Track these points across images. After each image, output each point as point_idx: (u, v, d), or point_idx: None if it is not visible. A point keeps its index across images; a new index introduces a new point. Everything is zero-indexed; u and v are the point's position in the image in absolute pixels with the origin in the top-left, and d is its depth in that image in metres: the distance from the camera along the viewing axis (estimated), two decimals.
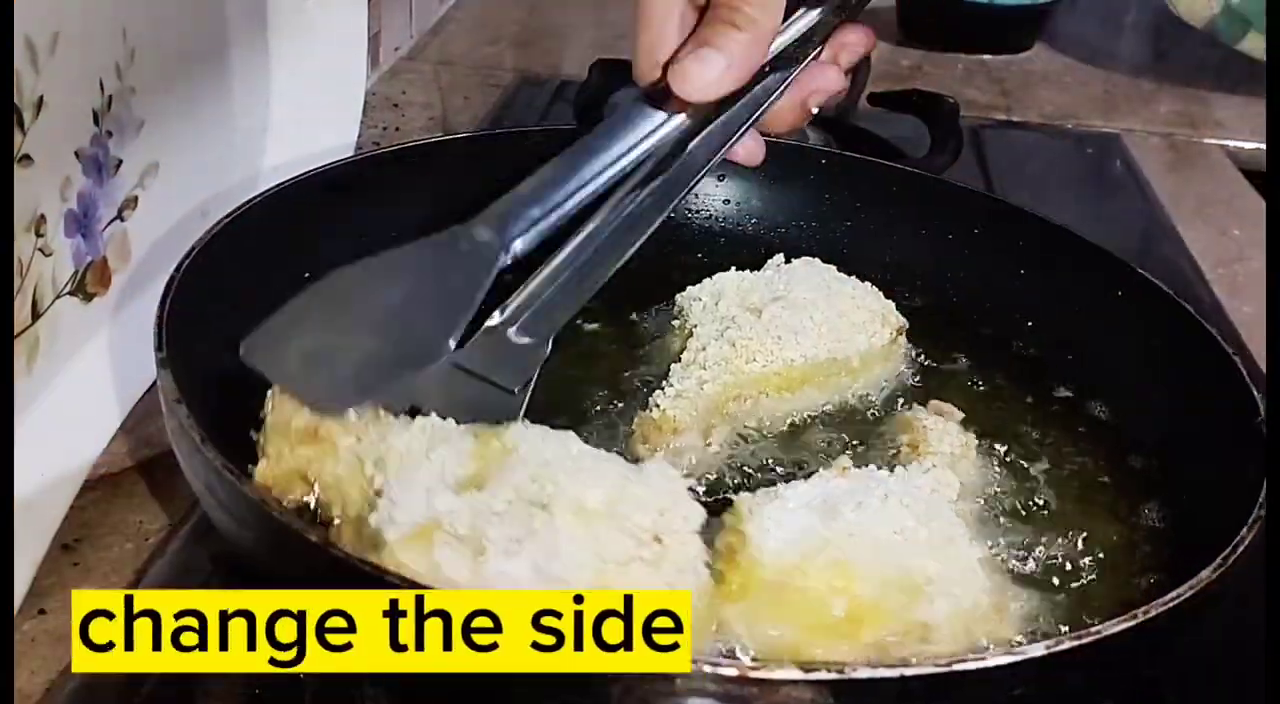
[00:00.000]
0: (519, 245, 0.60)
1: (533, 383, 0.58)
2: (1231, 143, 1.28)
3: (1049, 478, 0.63)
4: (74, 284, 0.63)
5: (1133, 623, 0.43)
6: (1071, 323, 0.72)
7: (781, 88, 0.64)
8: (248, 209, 0.64)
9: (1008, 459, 0.64)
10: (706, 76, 0.59)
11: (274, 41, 0.83)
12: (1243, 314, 0.93)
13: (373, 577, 0.41)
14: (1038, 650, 0.41)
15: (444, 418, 0.52)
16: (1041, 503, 0.61)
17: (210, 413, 0.49)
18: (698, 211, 0.83)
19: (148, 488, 0.64)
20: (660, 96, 0.63)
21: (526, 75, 1.31)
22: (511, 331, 0.59)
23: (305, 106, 0.85)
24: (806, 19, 0.66)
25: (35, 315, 0.60)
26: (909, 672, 0.40)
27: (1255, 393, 0.58)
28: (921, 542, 0.50)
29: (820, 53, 0.66)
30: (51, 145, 0.58)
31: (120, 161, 0.67)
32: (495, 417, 0.54)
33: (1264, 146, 1.26)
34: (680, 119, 0.64)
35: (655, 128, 0.64)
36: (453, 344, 0.57)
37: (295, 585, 0.47)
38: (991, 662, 0.41)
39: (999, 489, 0.62)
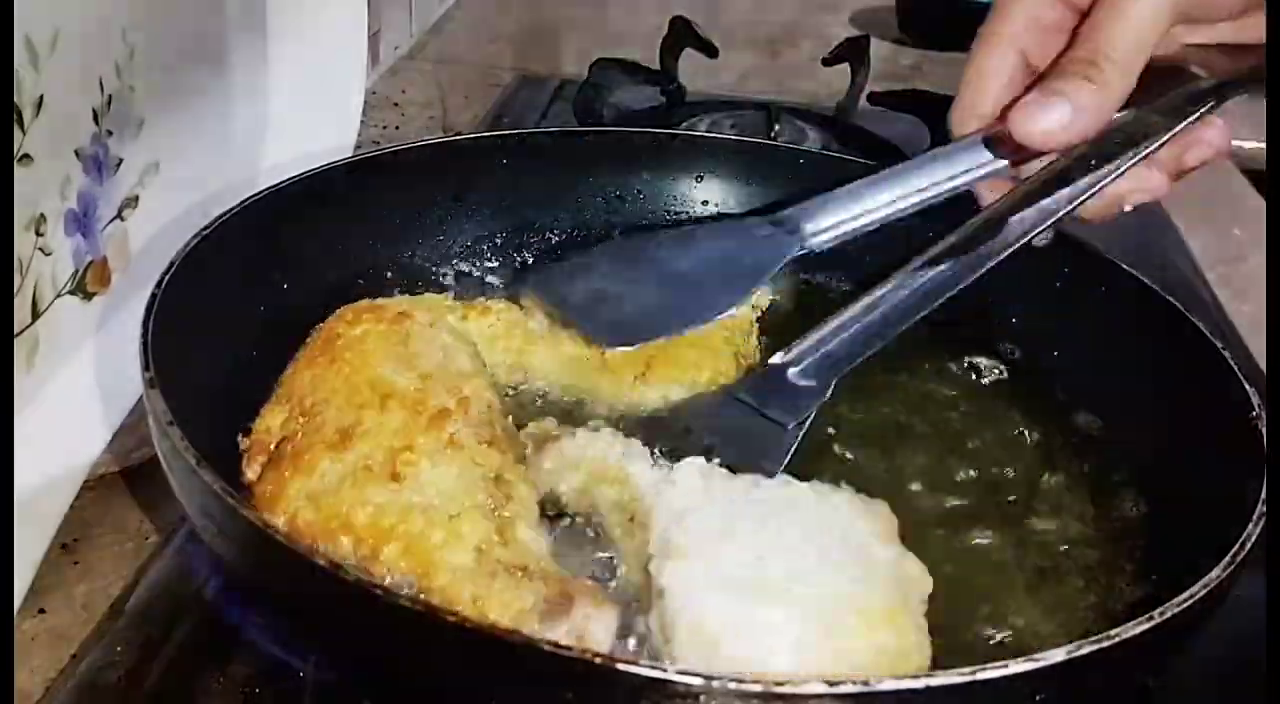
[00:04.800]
0: (814, 243, 0.63)
1: (806, 424, 0.59)
2: (1232, 142, 1.27)
3: (1042, 476, 0.63)
4: (74, 283, 0.63)
5: (1150, 625, 0.43)
6: (1058, 321, 0.72)
7: (1114, 174, 0.60)
8: (224, 222, 0.63)
9: (1003, 457, 0.64)
10: (1049, 122, 0.57)
11: (273, 41, 0.83)
12: (1243, 314, 0.93)
13: (382, 599, 0.41)
14: (1059, 656, 0.41)
15: (708, 447, 0.55)
16: (1039, 501, 0.61)
17: (201, 432, 0.49)
18: (677, 213, 0.82)
19: (148, 487, 0.64)
20: (982, 142, 0.62)
21: (526, 75, 1.31)
22: (792, 372, 0.61)
23: (305, 105, 0.85)
24: (1156, 108, 0.61)
25: (35, 314, 0.60)
26: (933, 681, 0.40)
27: (1248, 388, 0.58)
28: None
29: (1161, 145, 0.60)
30: (51, 144, 0.58)
31: (120, 161, 0.67)
32: (759, 457, 0.56)
33: (1264, 146, 1.26)
34: (998, 167, 0.62)
35: (970, 169, 0.62)
36: (734, 310, 0.62)
37: (295, 604, 0.47)
38: (1014, 669, 0.41)
39: (1004, 489, 0.62)
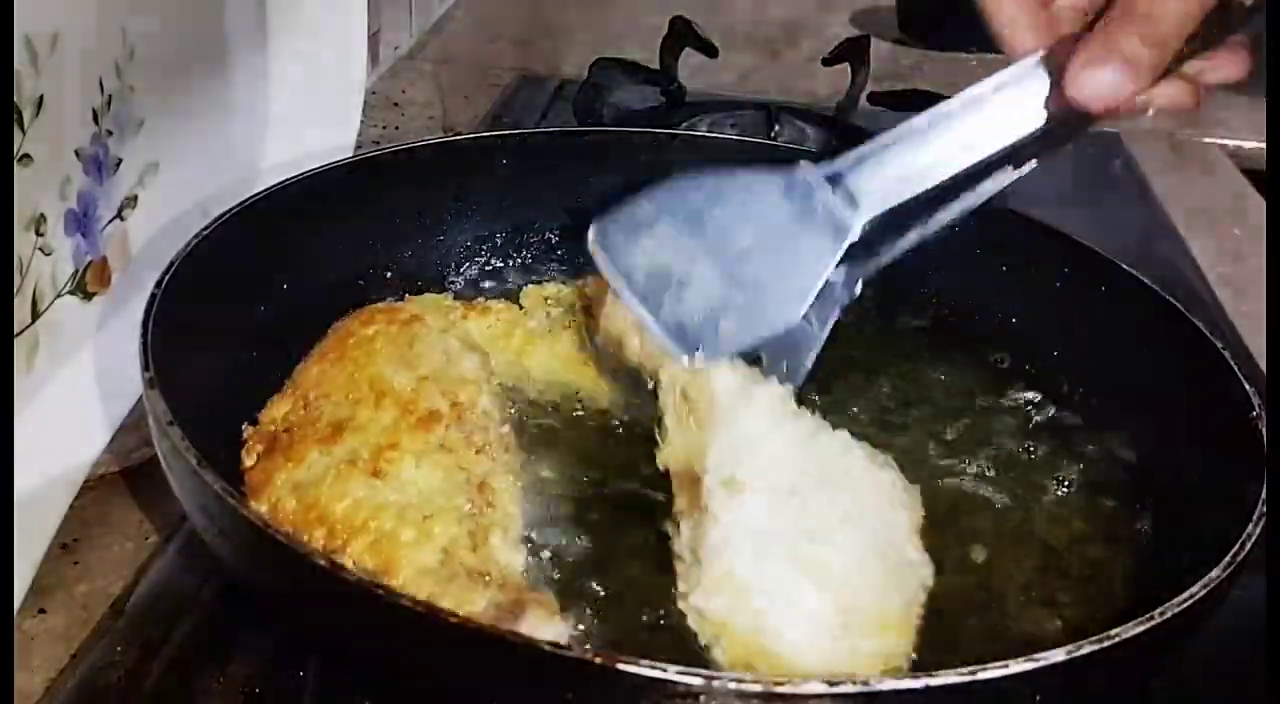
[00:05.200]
0: (864, 220, 0.58)
1: (829, 327, 0.58)
2: (1232, 142, 1.28)
3: (1042, 476, 0.63)
4: (74, 283, 0.63)
5: (1149, 625, 0.43)
6: (1057, 321, 0.72)
7: None
8: (224, 222, 0.63)
9: (1002, 456, 0.64)
10: (1107, 87, 0.54)
11: (273, 41, 0.83)
12: (1243, 314, 0.93)
13: (383, 599, 0.41)
14: (1059, 656, 0.41)
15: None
16: (1039, 500, 0.61)
17: (201, 432, 0.49)
18: None
19: (148, 487, 0.64)
20: (1028, 87, 0.57)
21: (526, 75, 1.31)
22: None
23: (305, 105, 0.85)
24: None
25: (35, 314, 0.60)
26: (933, 681, 0.40)
27: (1248, 388, 0.58)
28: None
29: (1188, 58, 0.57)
30: (51, 144, 0.58)
31: (120, 160, 0.67)
32: (788, 355, 0.57)
33: (1264, 146, 1.26)
34: (1046, 116, 0.58)
35: (1020, 120, 0.58)
36: (797, 316, 0.57)
37: (297, 605, 0.47)
38: (1014, 669, 0.41)
39: (1004, 489, 0.62)
